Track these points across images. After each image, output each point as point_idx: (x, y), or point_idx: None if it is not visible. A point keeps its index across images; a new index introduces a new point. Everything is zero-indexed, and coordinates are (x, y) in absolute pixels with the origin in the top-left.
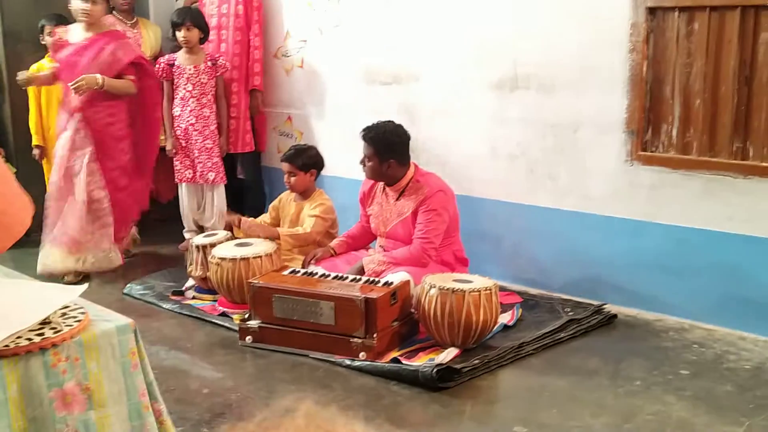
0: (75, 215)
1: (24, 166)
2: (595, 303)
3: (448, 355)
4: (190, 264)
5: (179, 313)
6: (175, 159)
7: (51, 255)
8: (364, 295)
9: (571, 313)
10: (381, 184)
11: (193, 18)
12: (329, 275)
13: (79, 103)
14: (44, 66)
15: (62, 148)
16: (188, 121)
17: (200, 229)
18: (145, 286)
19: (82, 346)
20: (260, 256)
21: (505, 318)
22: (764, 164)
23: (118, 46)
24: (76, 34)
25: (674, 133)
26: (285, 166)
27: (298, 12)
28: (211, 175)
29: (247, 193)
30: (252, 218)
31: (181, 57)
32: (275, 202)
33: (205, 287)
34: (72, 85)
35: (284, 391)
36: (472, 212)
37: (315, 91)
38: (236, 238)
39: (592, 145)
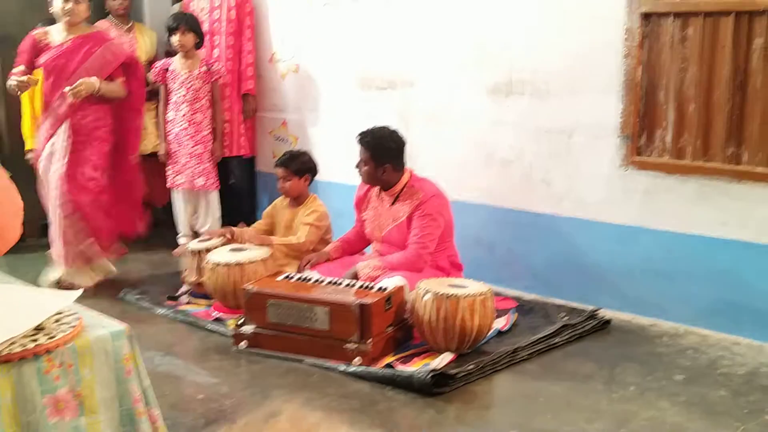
0: (60, 230)
1: (18, 171)
2: (590, 308)
3: (442, 360)
4: (185, 269)
5: (174, 318)
6: (167, 164)
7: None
8: (358, 301)
9: (565, 318)
10: (376, 188)
11: (188, 23)
12: (324, 280)
13: (67, 108)
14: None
15: (52, 158)
16: (180, 125)
17: (195, 234)
18: (139, 292)
19: (75, 353)
20: (255, 262)
21: (499, 323)
22: (758, 169)
23: (107, 48)
24: (57, 36)
25: (668, 138)
26: (279, 171)
27: (293, 17)
28: (200, 181)
29: (240, 198)
30: (245, 227)
31: (176, 62)
32: (269, 209)
33: (200, 292)
34: (71, 90)
35: (279, 396)
36: (466, 217)
37: (310, 96)
38: (231, 243)
39: (587, 150)
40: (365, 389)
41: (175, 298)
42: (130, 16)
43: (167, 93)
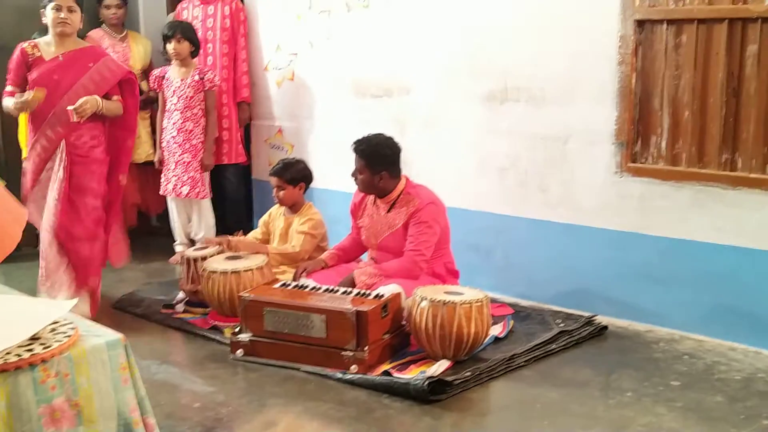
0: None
1: (15, 179)
2: (586, 314)
3: (439, 367)
4: (181, 277)
5: (170, 326)
6: (162, 172)
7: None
8: (355, 308)
9: (562, 325)
10: (372, 196)
11: (183, 31)
12: (320, 288)
13: (64, 128)
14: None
15: (48, 184)
16: (170, 133)
17: (191, 242)
18: (135, 300)
19: (71, 362)
20: (251, 270)
21: (496, 330)
22: (753, 175)
23: (105, 64)
24: (49, 49)
25: (663, 144)
26: (273, 180)
27: (288, 25)
28: (185, 189)
29: (236, 206)
30: (243, 236)
31: (171, 70)
32: (265, 217)
33: (196, 300)
34: (75, 109)
35: (275, 404)
36: (462, 224)
37: (305, 103)
38: (227, 251)
39: (582, 156)
40: (362, 397)
41: (171, 307)
42: (124, 25)
43: (163, 101)
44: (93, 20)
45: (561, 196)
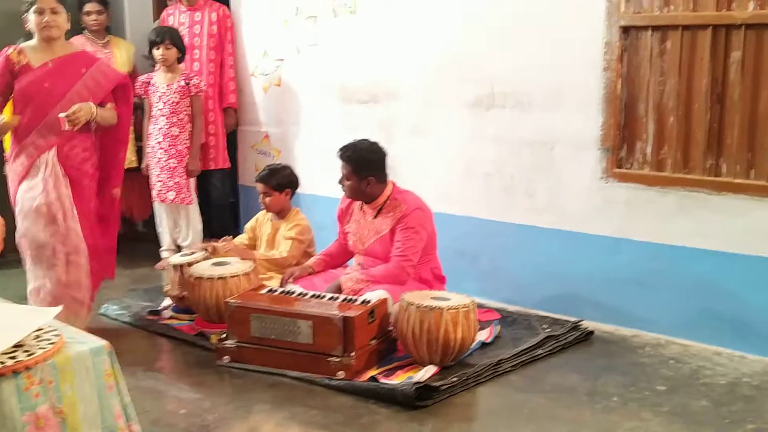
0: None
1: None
2: (573, 319)
3: (426, 373)
4: (167, 283)
5: (156, 333)
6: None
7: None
8: (342, 314)
9: (548, 330)
10: (359, 201)
11: (172, 37)
12: (307, 294)
13: (56, 138)
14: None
15: (42, 196)
16: (156, 138)
17: (178, 248)
18: (121, 306)
19: (56, 369)
20: (237, 276)
21: (483, 335)
22: (737, 181)
23: (99, 69)
24: (36, 55)
25: (648, 150)
26: (259, 187)
27: (274, 31)
28: (171, 195)
29: (222, 211)
30: (230, 241)
31: (157, 75)
32: (252, 222)
33: (182, 307)
34: (68, 116)
35: (262, 411)
36: (449, 230)
37: (292, 109)
38: (214, 257)
39: (568, 162)
40: (349, 403)
41: (157, 313)
42: (106, 30)
43: (149, 106)
44: (74, 27)
45: (547, 201)
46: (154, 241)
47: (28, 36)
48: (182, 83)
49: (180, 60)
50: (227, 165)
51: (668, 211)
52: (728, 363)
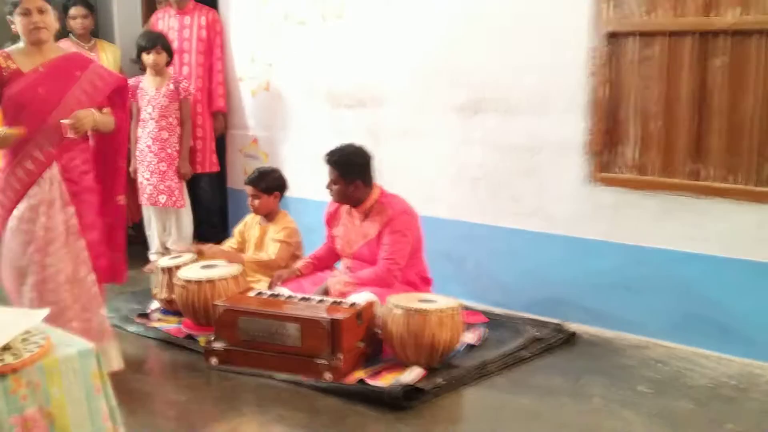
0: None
1: None
2: (557, 321)
3: (412, 375)
4: (156, 286)
5: (144, 335)
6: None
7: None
8: (329, 316)
9: (533, 332)
10: (346, 205)
11: (163, 42)
12: (295, 296)
13: (55, 148)
14: None
15: (35, 216)
16: (145, 142)
17: (167, 251)
18: (109, 309)
19: (43, 372)
20: (226, 278)
21: (468, 337)
22: (719, 185)
23: (95, 72)
24: (26, 59)
25: (633, 154)
26: (248, 189)
27: (263, 35)
28: (162, 198)
29: (211, 215)
30: (215, 245)
31: (146, 79)
32: (240, 226)
33: (171, 309)
34: (71, 123)
35: (249, 413)
36: (436, 233)
37: (281, 113)
38: (202, 260)
39: (554, 166)
40: (336, 404)
41: (145, 315)
42: (92, 34)
43: (137, 110)
44: (59, 31)
45: (533, 205)
46: (143, 244)
47: (16, 39)
48: (171, 87)
49: (168, 64)
50: (215, 169)
51: (652, 215)
52: (711, 365)
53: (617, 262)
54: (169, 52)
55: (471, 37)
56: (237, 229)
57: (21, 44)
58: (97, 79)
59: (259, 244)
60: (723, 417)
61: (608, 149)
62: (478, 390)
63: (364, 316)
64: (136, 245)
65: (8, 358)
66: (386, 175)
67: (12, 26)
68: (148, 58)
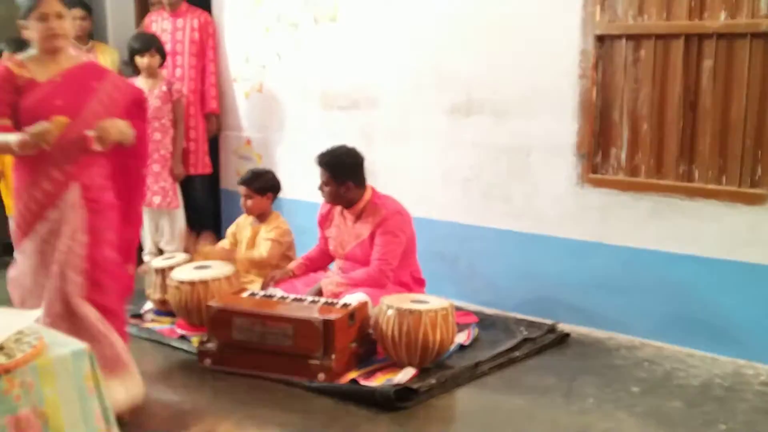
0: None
1: None
2: (549, 322)
3: (405, 375)
4: (149, 287)
5: (138, 336)
6: None
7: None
8: (322, 317)
9: (525, 333)
10: (339, 207)
11: (157, 45)
12: (288, 297)
13: (75, 166)
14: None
15: (55, 237)
16: None
17: (160, 251)
18: None
19: (36, 372)
20: (219, 279)
21: (461, 338)
22: (709, 186)
23: (112, 83)
24: (40, 68)
25: (623, 156)
26: (242, 189)
27: (256, 37)
28: (156, 199)
29: (204, 216)
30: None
31: (139, 81)
32: (232, 227)
33: (164, 310)
34: (96, 134)
35: (243, 413)
36: (428, 234)
37: (274, 114)
38: (195, 260)
39: (544, 168)
40: (329, 405)
41: (139, 316)
42: (90, 36)
43: None
44: None
45: (524, 206)
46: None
47: (10, 43)
48: (164, 89)
49: (160, 66)
50: (207, 171)
51: (642, 216)
52: (701, 365)
53: (608, 263)
54: (163, 55)
55: (463, 40)
56: (229, 231)
57: (33, 51)
58: (114, 91)
59: (251, 244)
60: (714, 417)
61: (598, 151)
62: (470, 390)
63: (356, 316)
64: None
65: (1, 359)
66: (379, 176)
67: (25, 33)
68: (142, 61)
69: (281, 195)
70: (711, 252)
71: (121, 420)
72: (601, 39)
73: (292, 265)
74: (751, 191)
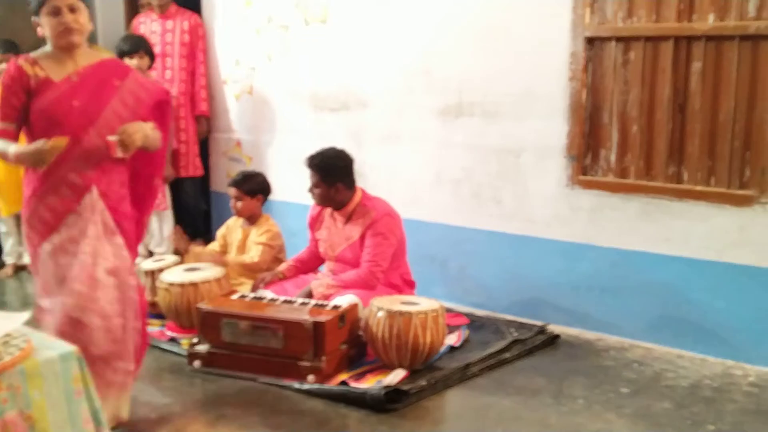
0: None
1: None
2: (539, 323)
3: (395, 376)
4: None
5: None
6: None
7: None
8: (312, 319)
9: (515, 334)
10: (329, 209)
11: (145, 47)
12: (278, 299)
13: (93, 171)
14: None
15: (72, 250)
16: None
17: (149, 254)
18: None
19: (24, 375)
20: (209, 281)
21: (451, 339)
22: (698, 188)
23: (136, 81)
24: (54, 66)
25: (612, 158)
26: (231, 191)
27: (246, 39)
28: None
29: (194, 218)
30: (201, 246)
31: None
32: (222, 230)
33: (154, 312)
34: (118, 140)
35: (233, 415)
36: (418, 236)
37: (264, 116)
38: (185, 262)
39: (534, 169)
40: (319, 407)
41: None
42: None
43: None
44: None
45: (514, 208)
46: None
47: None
48: None
49: (149, 68)
50: (199, 173)
51: (632, 218)
52: (689, 366)
53: (597, 265)
54: (151, 56)
55: (453, 42)
56: (219, 233)
57: (48, 48)
58: (139, 89)
59: (242, 248)
60: (703, 418)
61: (588, 153)
62: (461, 391)
63: (347, 318)
64: None
65: None
66: (369, 178)
67: (38, 30)
68: (130, 63)
69: (271, 197)
70: (700, 253)
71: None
72: (590, 41)
73: (282, 267)
74: (740, 193)
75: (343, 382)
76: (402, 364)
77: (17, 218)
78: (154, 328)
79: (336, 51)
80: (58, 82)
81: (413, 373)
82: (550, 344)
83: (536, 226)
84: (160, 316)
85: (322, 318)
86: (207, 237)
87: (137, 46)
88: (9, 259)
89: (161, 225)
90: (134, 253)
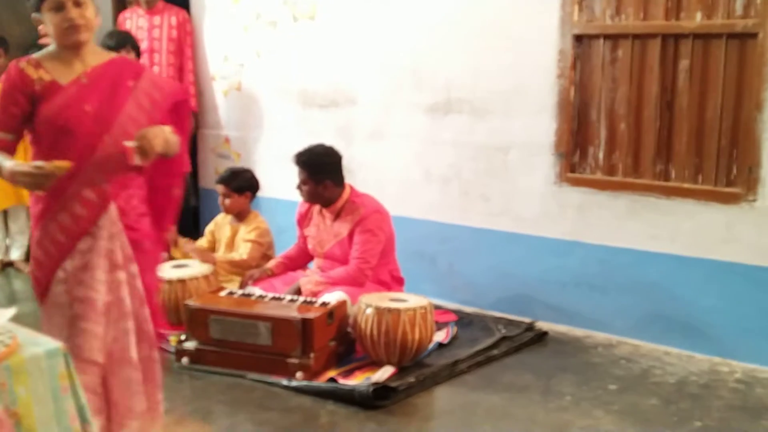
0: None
1: None
2: (527, 320)
3: (384, 373)
4: None
5: None
6: None
7: None
8: (301, 316)
9: (504, 331)
10: (317, 206)
11: (132, 43)
12: (266, 296)
13: (112, 184)
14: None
15: (86, 275)
16: None
17: None
18: None
19: (9, 371)
20: (197, 278)
21: (439, 336)
22: (685, 185)
23: (151, 81)
24: (62, 69)
25: (600, 155)
26: (220, 188)
27: (234, 36)
28: None
29: (182, 214)
30: (189, 241)
31: None
32: (211, 226)
33: None
34: (136, 146)
35: (221, 412)
36: (407, 232)
37: (253, 113)
38: (173, 259)
39: (523, 167)
40: (307, 404)
41: None
42: None
43: None
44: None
45: (502, 205)
46: None
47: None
48: None
49: None
50: (186, 168)
51: (619, 215)
52: (677, 362)
53: (585, 262)
54: (137, 52)
55: (442, 39)
56: (208, 229)
57: (52, 48)
58: (154, 90)
59: (230, 244)
60: (690, 414)
61: (576, 150)
62: (449, 388)
63: (335, 315)
64: None
65: None
66: (358, 175)
67: (41, 28)
68: None
69: (260, 194)
70: (687, 251)
71: None
72: (579, 39)
73: (270, 264)
74: (727, 190)
75: (332, 379)
76: (390, 361)
77: (4, 214)
78: None
79: (324, 48)
80: (65, 85)
81: (402, 370)
82: (538, 341)
83: (524, 223)
84: None
85: (311, 315)
86: (195, 233)
87: (123, 41)
88: None
89: None
90: (153, 278)
